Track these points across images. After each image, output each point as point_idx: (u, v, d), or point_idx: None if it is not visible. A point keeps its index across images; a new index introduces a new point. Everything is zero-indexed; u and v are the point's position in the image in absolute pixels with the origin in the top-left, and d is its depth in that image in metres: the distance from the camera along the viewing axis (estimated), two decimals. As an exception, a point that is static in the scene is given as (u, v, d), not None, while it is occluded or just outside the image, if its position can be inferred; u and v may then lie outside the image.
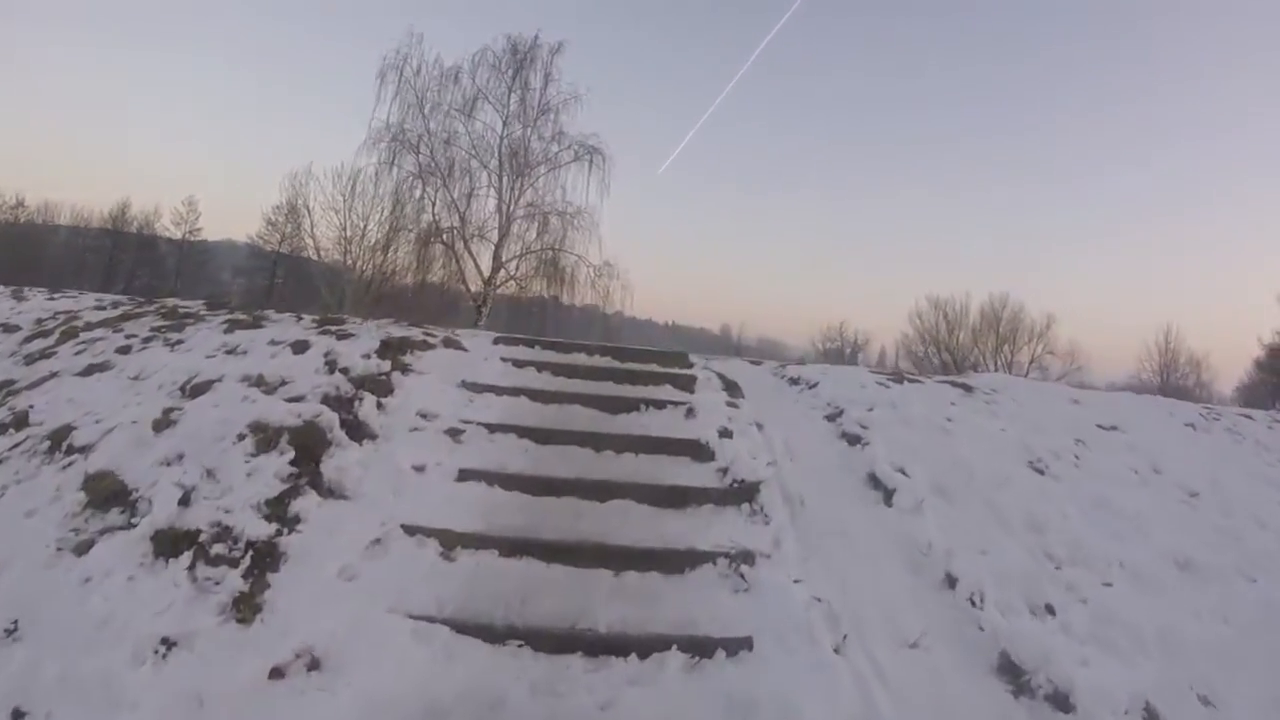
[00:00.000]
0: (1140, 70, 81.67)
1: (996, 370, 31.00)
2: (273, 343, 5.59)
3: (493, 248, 20.31)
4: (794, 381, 6.53)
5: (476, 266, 20.40)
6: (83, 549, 3.25)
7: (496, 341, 6.23)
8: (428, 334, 6.05)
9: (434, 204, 20.48)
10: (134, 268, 28.05)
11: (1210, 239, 76.05)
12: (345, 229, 27.18)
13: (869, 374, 6.75)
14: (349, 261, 27.28)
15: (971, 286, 42.51)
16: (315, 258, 28.09)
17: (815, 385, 6.26)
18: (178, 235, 28.83)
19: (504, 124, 20.20)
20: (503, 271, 20.66)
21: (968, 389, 6.56)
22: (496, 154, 20.35)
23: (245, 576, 3.22)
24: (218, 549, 3.30)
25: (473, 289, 20.15)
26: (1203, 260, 75.92)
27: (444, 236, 20.21)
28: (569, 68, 20.96)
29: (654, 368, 6.03)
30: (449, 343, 5.89)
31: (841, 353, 33.34)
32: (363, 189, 21.81)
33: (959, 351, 30.95)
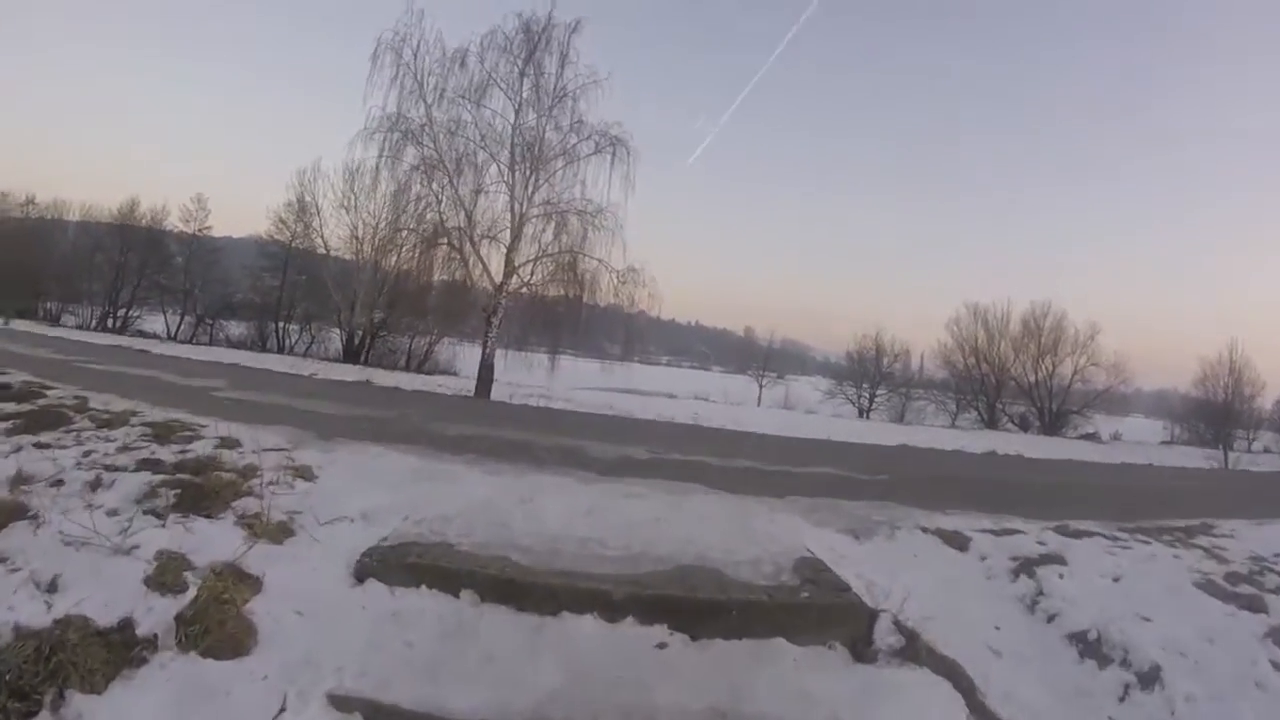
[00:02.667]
0: (1156, 75, 74.70)
1: (1038, 382, 26.46)
2: None
3: (504, 250, 16.10)
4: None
5: (486, 271, 16.23)
6: None
7: (360, 576, 2.14)
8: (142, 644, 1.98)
9: (439, 201, 16.24)
10: (143, 267, 24.33)
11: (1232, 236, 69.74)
12: (356, 227, 23.34)
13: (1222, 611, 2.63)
14: (360, 261, 23.43)
15: (1010, 293, 37.61)
16: (324, 257, 24.37)
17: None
18: (188, 233, 25.10)
19: (516, 112, 15.84)
20: (515, 277, 16.47)
21: None
22: (508, 145, 16.02)
23: None
24: None
25: (482, 296, 16.10)
26: (1228, 261, 69.69)
27: (450, 238, 16.03)
28: (588, 49, 16.43)
29: (787, 663, 1.96)
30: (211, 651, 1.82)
31: (878, 364, 28.85)
32: (367, 184, 18.02)
33: (999, 363, 26.43)
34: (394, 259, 19.52)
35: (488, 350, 15.71)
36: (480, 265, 15.77)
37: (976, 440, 17.02)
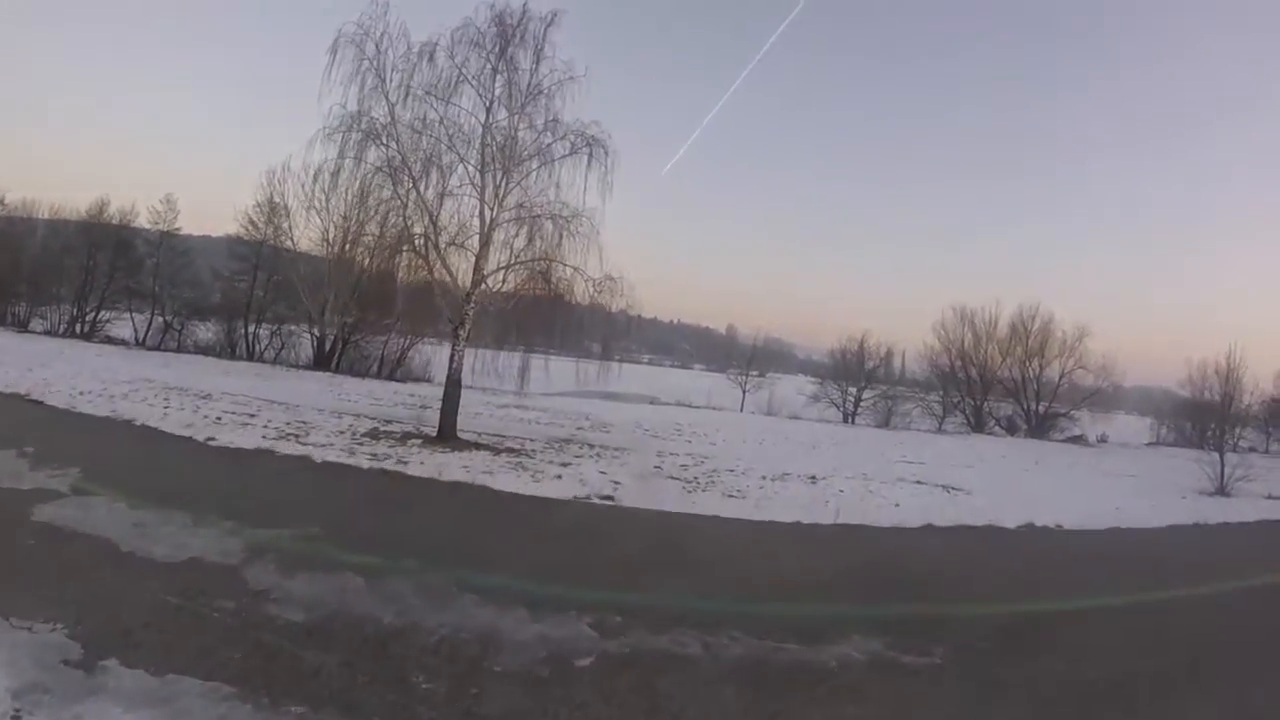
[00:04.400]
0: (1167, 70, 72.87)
1: (1024, 383, 25.29)
2: None
3: (472, 257, 14.62)
4: None
5: (453, 280, 14.78)
6: None
7: None
8: None
9: (405, 205, 14.75)
10: (112, 269, 22.80)
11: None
12: (327, 229, 21.89)
13: None
14: (330, 263, 22.02)
15: (998, 295, 36.21)
16: (295, 258, 22.90)
17: None
18: (155, 235, 23.59)
19: (487, 110, 14.26)
20: (484, 285, 14.99)
21: None
22: (478, 146, 14.49)
23: None
24: None
25: (449, 306, 14.71)
26: (1213, 257, 68.47)
27: (414, 243, 14.54)
28: (566, 44, 14.83)
29: None
30: None
31: (862, 366, 27.53)
32: (328, 186, 16.61)
33: (985, 365, 25.22)
34: (360, 264, 18.21)
35: (454, 366, 14.37)
36: (447, 274, 14.44)
37: (1003, 463, 15.66)
